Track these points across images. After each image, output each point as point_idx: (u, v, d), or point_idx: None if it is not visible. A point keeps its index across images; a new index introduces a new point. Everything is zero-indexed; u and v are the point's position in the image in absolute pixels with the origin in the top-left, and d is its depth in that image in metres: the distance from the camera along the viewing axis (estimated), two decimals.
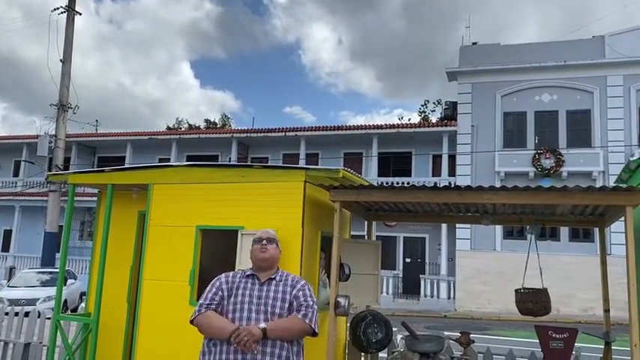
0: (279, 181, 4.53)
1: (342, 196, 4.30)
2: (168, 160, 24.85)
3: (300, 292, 2.85)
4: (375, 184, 16.27)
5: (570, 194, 3.76)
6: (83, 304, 7.30)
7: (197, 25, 80.00)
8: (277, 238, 3.08)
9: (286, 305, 2.79)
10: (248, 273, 2.92)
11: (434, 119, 33.73)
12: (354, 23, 78.37)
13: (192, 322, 2.80)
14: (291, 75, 77.66)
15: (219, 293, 2.83)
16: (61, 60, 18.86)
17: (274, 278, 2.88)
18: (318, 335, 2.89)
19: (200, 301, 2.84)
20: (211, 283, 2.94)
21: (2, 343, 6.52)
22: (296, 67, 78.03)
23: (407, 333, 4.61)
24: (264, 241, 2.95)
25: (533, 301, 4.91)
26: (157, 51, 79.92)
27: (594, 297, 15.66)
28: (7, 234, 27.11)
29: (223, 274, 2.99)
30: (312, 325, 2.79)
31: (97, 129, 31.84)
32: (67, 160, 22.09)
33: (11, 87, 66.84)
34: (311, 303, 2.84)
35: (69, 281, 16.05)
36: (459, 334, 4.73)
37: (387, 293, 20.38)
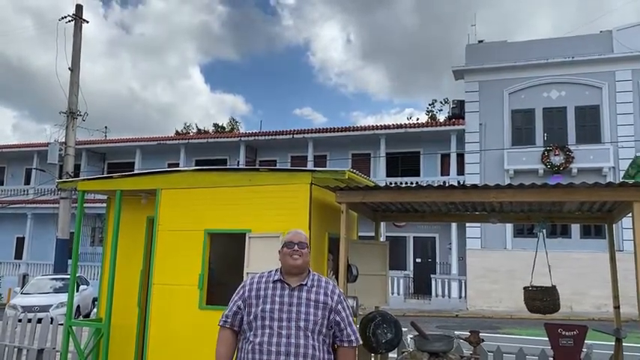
0: (286, 184, 4.56)
1: (348, 197, 4.31)
2: (178, 165, 24.94)
3: (340, 306, 2.67)
4: (384, 184, 16.25)
5: (576, 191, 3.75)
6: (95, 310, 7.37)
7: (207, 27, 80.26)
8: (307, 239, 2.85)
9: (320, 312, 2.61)
10: (275, 278, 2.69)
11: (442, 118, 33.63)
12: (363, 21, 78.17)
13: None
14: (301, 76, 77.58)
15: (239, 303, 2.70)
16: (69, 68, 19.04)
17: (305, 284, 2.66)
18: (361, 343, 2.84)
19: (225, 311, 2.74)
20: (237, 289, 2.81)
21: (16, 349, 6.60)
22: (305, 67, 77.97)
23: (416, 333, 4.61)
24: (296, 246, 2.70)
25: (541, 298, 4.89)
26: (168, 55, 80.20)
27: (607, 294, 15.41)
28: (20, 241, 27.36)
29: (249, 278, 2.81)
30: (357, 344, 2.71)
31: (106, 135, 32.08)
32: (77, 167, 22.29)
33: (22, 95, 67.55)
34: (352, 319, 2.72)
35: (81, 287, 16.21)
36: (469, 334, 4.72)
37: (398, 294, 20.30)
